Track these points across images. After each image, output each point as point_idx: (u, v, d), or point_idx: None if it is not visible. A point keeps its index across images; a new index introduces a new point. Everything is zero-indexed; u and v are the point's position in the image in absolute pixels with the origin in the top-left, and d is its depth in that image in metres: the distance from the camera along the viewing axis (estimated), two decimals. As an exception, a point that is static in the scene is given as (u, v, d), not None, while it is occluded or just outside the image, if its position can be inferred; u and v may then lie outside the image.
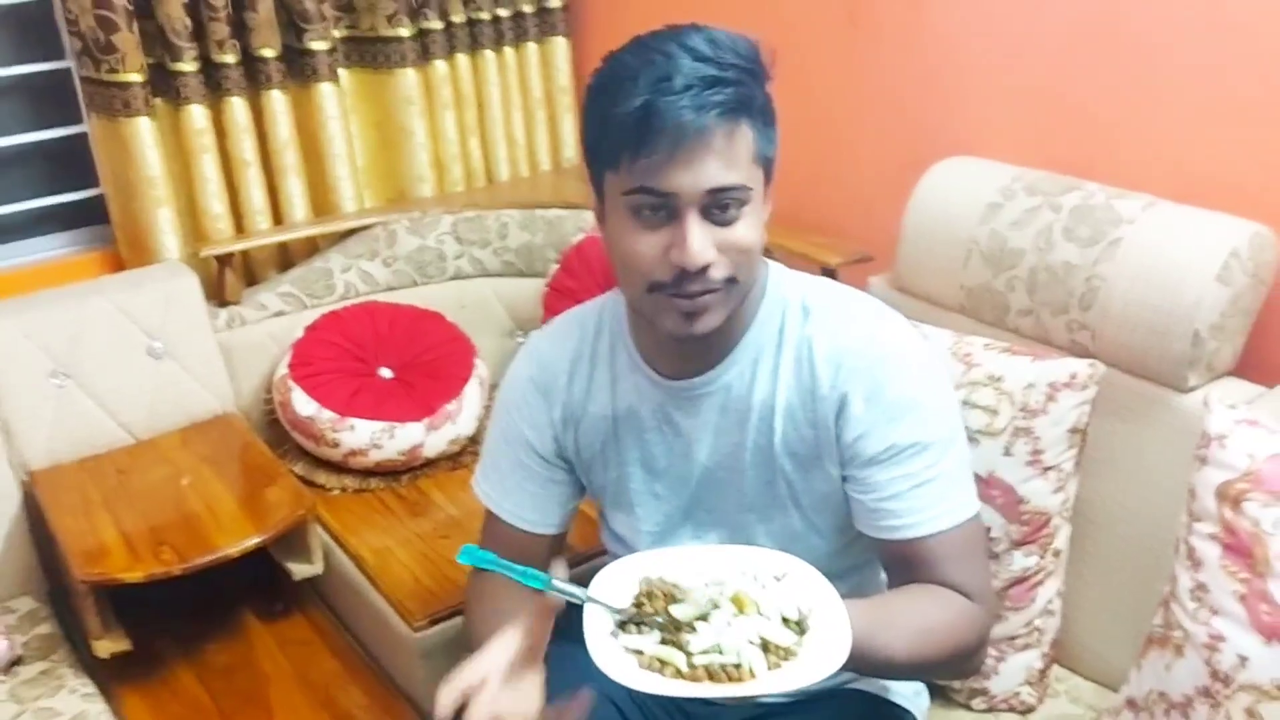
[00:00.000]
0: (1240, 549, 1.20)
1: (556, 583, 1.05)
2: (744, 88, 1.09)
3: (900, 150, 1.98)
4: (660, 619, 1.03)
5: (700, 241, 1.09)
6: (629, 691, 1.32)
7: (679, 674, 0.99)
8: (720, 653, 0.99)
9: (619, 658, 1.01)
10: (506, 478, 1.37)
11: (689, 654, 1.00)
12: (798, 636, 1.02)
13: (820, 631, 1.02)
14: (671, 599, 1.05)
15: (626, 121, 1.07)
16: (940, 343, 1.53)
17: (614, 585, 1.08)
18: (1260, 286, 1.45)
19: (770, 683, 0.97)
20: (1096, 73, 1.67)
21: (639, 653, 1.01)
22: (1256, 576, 1.18)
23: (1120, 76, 1.64)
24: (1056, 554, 1.50)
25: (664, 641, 1.02)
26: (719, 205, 1.10)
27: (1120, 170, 1.62)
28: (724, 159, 1.09)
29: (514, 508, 1.37)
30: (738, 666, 0.98)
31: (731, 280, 1.13)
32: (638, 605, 1.05)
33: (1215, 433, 1.26)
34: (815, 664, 0.98)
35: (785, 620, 1.03)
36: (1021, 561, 1.48)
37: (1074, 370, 1.43)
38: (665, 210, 1.10)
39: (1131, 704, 1.32)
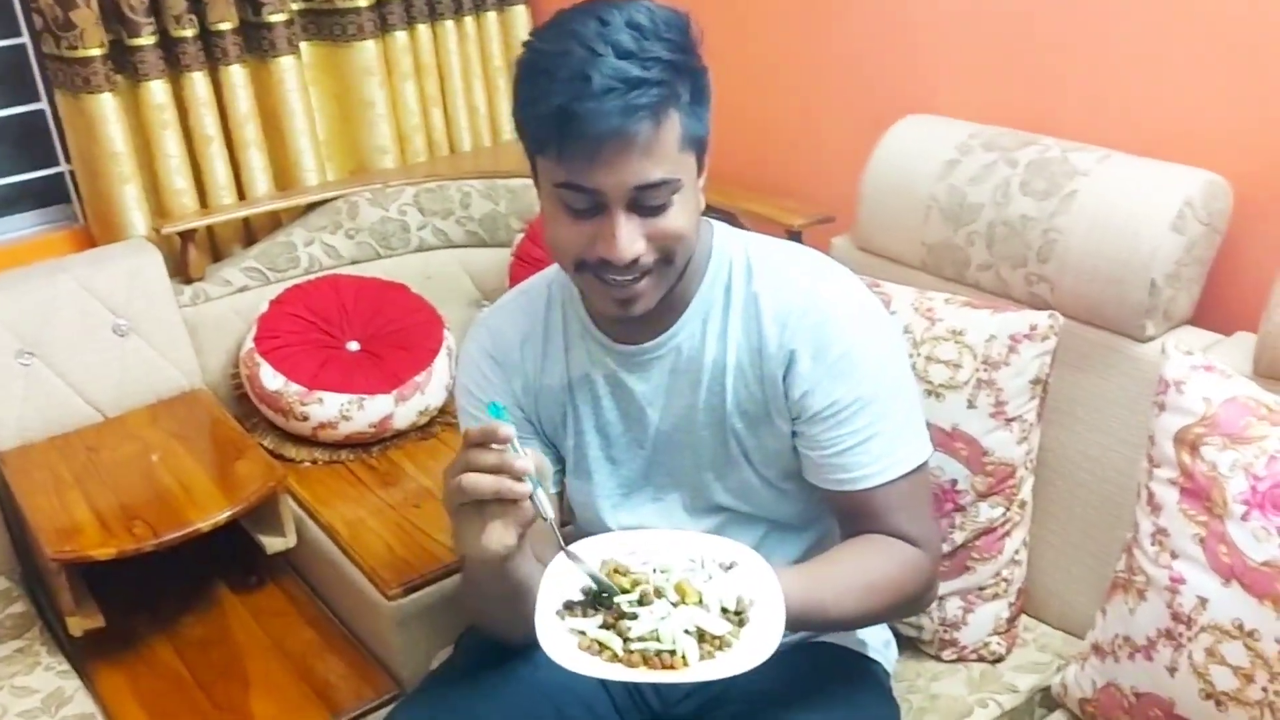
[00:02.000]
0: (1198, 493, 1.23)
1: (539, 494, 1.06)
2: (668, 85, 1.07)
3: (860, 110, 1.98)
4: (606, 601, 1.06)
5: (627, 236, 1.09)
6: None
7: (615, 658, 1.01)
8: (658, 640, 1.02)
9: (561, 639, 1.03)
10: None
11: (626, 639, 1.02)
12: (735, 627, 1.04)
13: (757, 624, 1.04)
14: (621, 575, 1.08)
15: (546, 122, 1.06)
16: (902, 299, 1.55)
17: (568, 573, 1.09)
18: (1214, 235, 1.47)
19: (699, 671, 1.00)
20: (1051, 29, 1.68)
21: (581, 634, 1.04)
22: (1214, 519, 1.21)
23: (1074, 32, 1.65)
24: (1022, 505, 1.52)
25: (604, 626, 1.04)
26: (647, 199, 1.09)
27: (1075, 124, 1.63)
28: (649, 155, 1.07)
29: None
30: (672, 653, 1.01)
31: (664, 261, 1.14)
32: (597, 590, 1.08)
33: (1172, 379, 1.29)
34: (744, 655, 1.01)
35: (725, 611, 1.05)
36: (988, 513, 1.50)
37: (1034, 322, 1.45)
38: (593, 204, 1.10)
39: (1097, 649, 1.34)
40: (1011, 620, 1.54)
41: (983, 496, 1.49)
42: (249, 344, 2.09)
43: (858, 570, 1.20)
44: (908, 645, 1.55)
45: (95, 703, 1.66)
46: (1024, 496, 1.52)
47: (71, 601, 1.69)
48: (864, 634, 1.41)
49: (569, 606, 1.07)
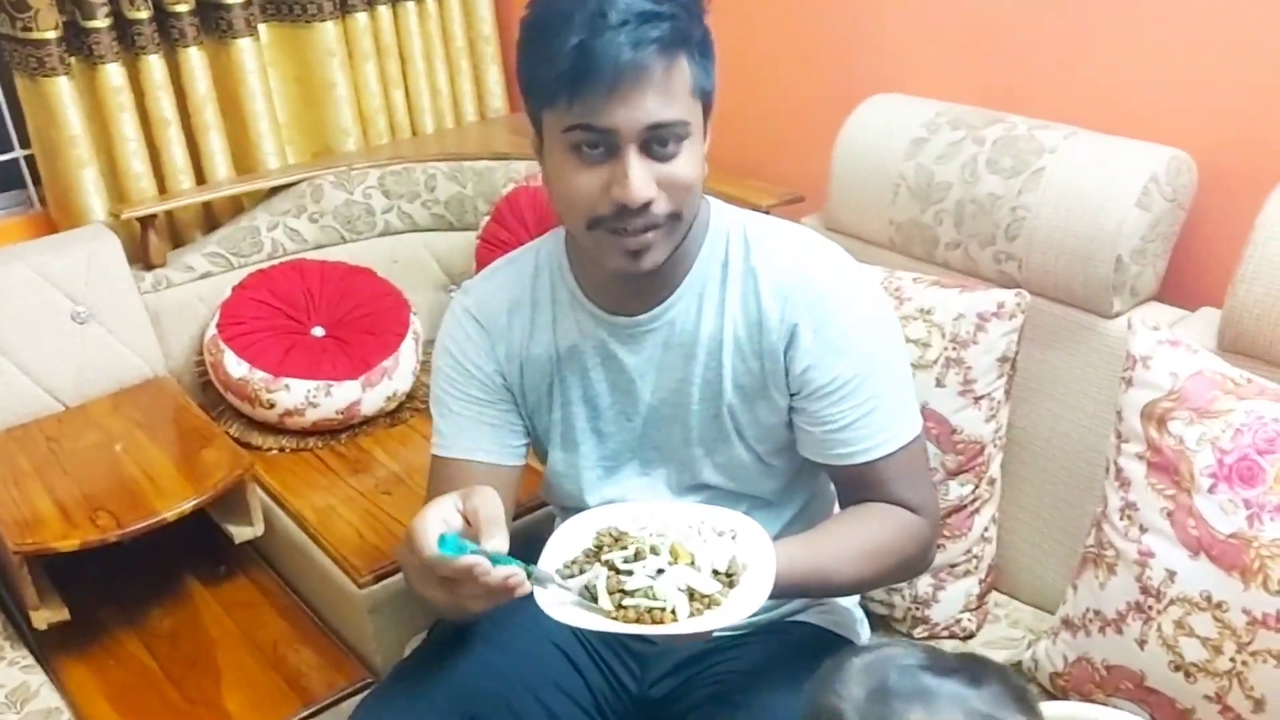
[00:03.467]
0: (1166, 466, 1.24)
1: (537, 572, 1.06)
2: (680, 21, 1.08)
3: (828, 89, 1.98)
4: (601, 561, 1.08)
5: (641, 178, 1.09)
6: (578, 637, 1.35)
7: (608, 615, 1.04)
8: (650, 597, 1.03)
9: (557, 595, 1.05)
10: (459, 416, 1.32)
11: (621, 596, 1.04)
12: (725, 587, 1.06)
13: (745, 585, 1.06)
14: (620, 548, 1.10)
15: (563, 61, 1.06)
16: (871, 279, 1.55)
17: (572, 535, 1.13)
18: (1179, 211, 1.48)
19: (686, 626, 1.02)
20: (1016, 7, 1.68)
21: (583, 589, 1.06)
22: (1182, 492, 1.22)
23: (1039, 10, 1.65)
24: (991, 482, 1.53)
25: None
26: (659, 141, 1.10)
27: (1042, 102, 1.64)
28: (662, 94, 1.08)
29: (470, 443, 1.32)
30: (662, 610, 1.03)
31: (674, 215, 1.14)
32: (595, 549, 1.10)
33: (1139, 354, 1.30)
34: (729, 611, 1.04)
35: (716, 572, 1.07)
36: (958, 490, 1.51)
37: (1001, 300, 1.46)
38: (604, 147, 1.10)
39: (1068, 623, 1.36)
40: (982, 597, 1.55)
41: (952, 474, 1.50)
42: (212, 330, 2.07)
43: (859, 536, 1.22)
44: (880, 623, 1.56)
45: (62, 697, 1.64)
46: (993, 474, 1.53)
47: (35, 595, 1.67)
48: (838, 614, 1.41)
49: (567, 566, 1.09)
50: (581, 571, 1.08)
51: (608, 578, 1.06)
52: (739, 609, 1.03)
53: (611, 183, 1.10)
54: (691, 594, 1.04)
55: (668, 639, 1.05)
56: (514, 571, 1.02)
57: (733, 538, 1.12)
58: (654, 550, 1.08)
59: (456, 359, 1.32)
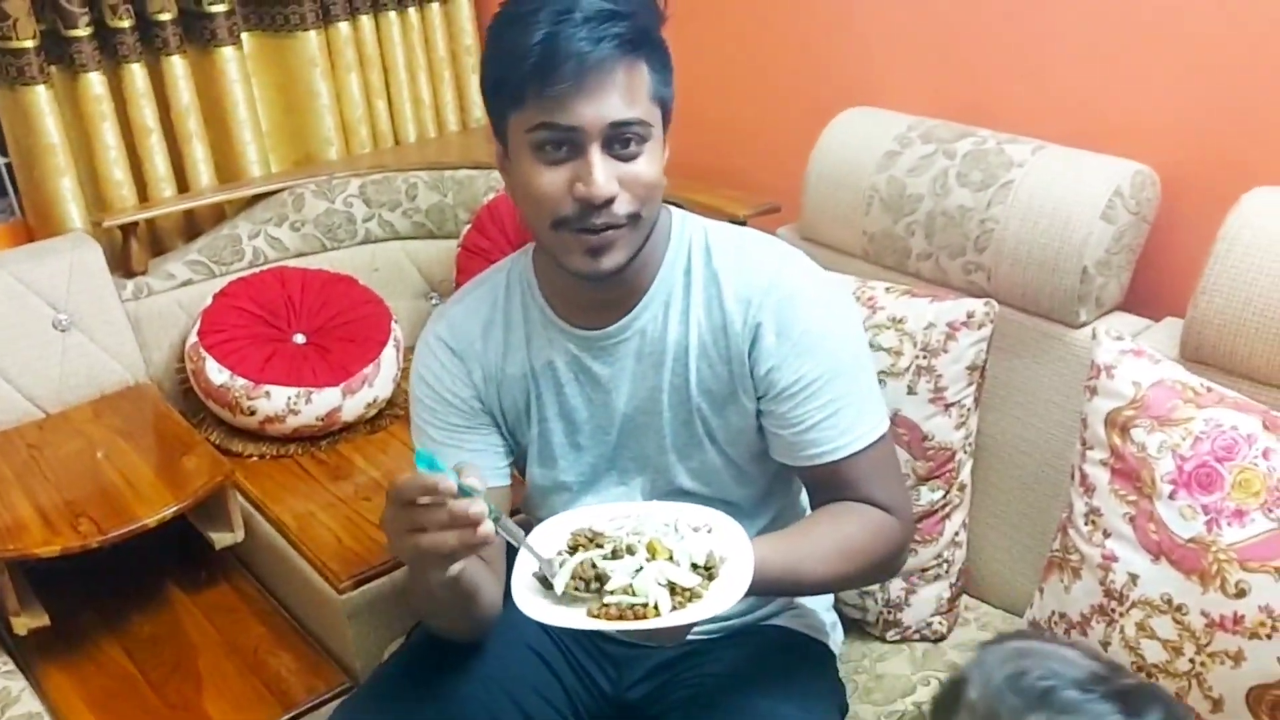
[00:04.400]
0: (1128, 473, 1.27)
1: (505, 520, 1.07)
2: (640, 22, 1.13)
3: (804, 103, 2.01)
4: (577, 558, 1.09)
5: (604, 173, 1.12)
6: (554, 641, 1.37)
7: (590, 614, 1.04)
8: (631, 593, 1.05)
9: (536, 596, 1.06)
10: (442, 446, 1.33)
11: (601, 595, 1.05)
12: (705, 580, 1.07)
13: (725, 578, 1.08)
14: (596, 547, 1.10)
15: (528, 55, 1.09)
16: (845, 287, 1.57)
17: (547, 537, 1.14)
18: (1143, 223, 1.52)
19: (669, 619, 1.03)
20: (988, 25, 1.71)
21: (560, 591, 1.07)
22: (1144, 498, 1.25)
23: (1010, 27, 1.69)
24: (961, 488, 1.56)
25: (580, 587, 1.07)
26: (620, 140, 1.13)
27: (1011, 117, 1.67)
28: (624, 93, 1.12)
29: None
30: (644, 605, 1.04)
31: (635, 216, 1.16)
32: (571, 549, 1.11)
33: (1103, 364, 1.33)
34: (711, 602, 1.05)
35: (695, 566, 1.08)
36: (928, 496, 1.53)
37: (971, 309, 1.49)
38: (568, 146, 1.13)
39: (1035, 626, 1.38)
40: (953, 600, 1.58)
41: (923, 480, 1.53)
42: (193, 338, 2.08)
43: (833, 535, 1.24)
44: (853, 627, 1.58)
45: (42, 703, 1.64)
46: (963, 479, 1.56)
47: (16, 601, 1.67)
48: (811, 617, 1.44)
49: (544, 567, 1.09)
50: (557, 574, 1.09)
51: (583, 564, 1.07)
52: (720, 600, 1.04)
53: (575, 180, 1.13)
54: (672, 588, 1.05)
55: (651, 634, 1.06)
56: (479, 504, 1.01)
57: (709, 532, 1.13)
58: (630, 549, 1.09)
59: (434, 389, 1.33)
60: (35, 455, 1.88)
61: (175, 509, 1.74)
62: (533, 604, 1.05)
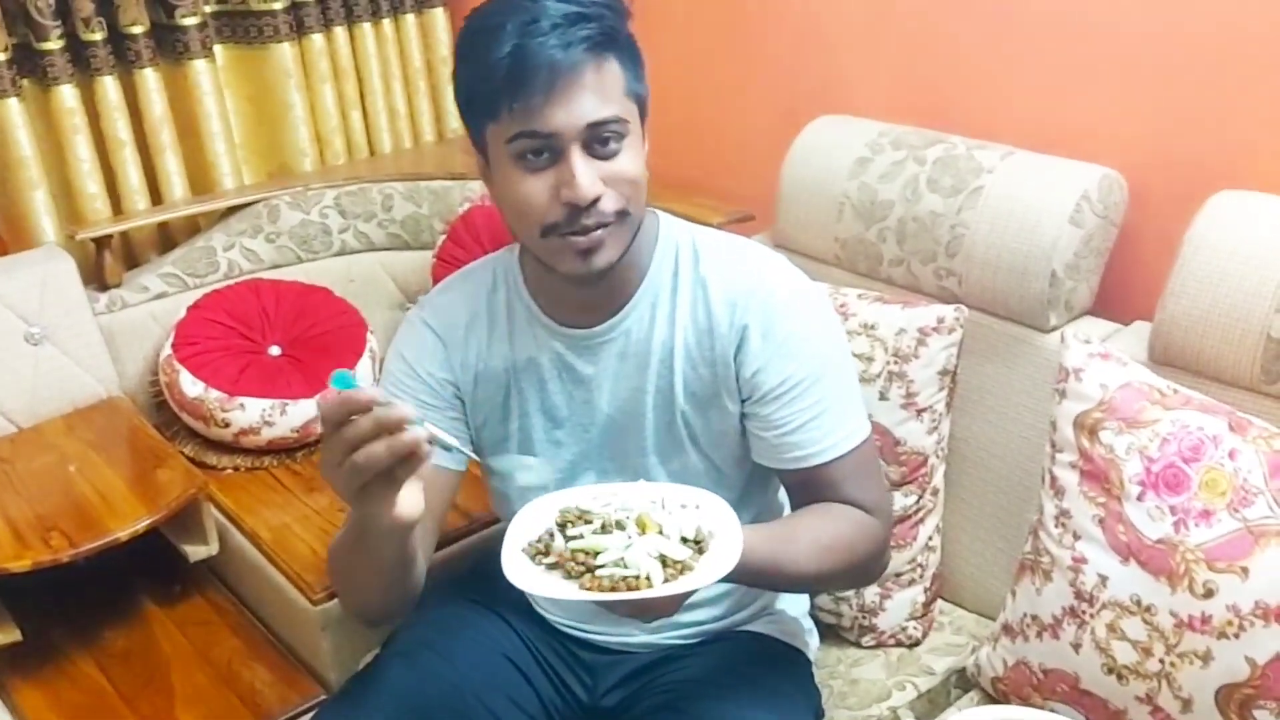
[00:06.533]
0: (1097, 475, 1.28)
1: (431, 428, 1.04)
2: (607, 22, 1.13)
3: (777, 110, 2.02)
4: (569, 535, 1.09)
5: (587, 175, 1.13)
6: (529, 650, 1.37)
7: (583, 587, 1.04)
8: (623, 566, 1.05)
9: (527, 569, 1.06)
10: None
11: (592, 570, 1.05)
12: (695, 553, 1.08)
13: (715, 550, 1.08)
14: (585, 524, 1.11)
15: (499, 67, 1.10)
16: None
17: (534, 516, 1.14)
18: (1110, 227, 1.53)
19: (663, 590, 1.03)
20: (957, 31, 1.73)
21: (550, 564, 1.07)
22: (1113, 500, 1.26)
23: (979, 35, 1.70)
24: (935, 492, 1.56)
25: (572, 559, 1.07)
26: (599, 139, 1.14)
27: (980, 123, 1.68)
28: (597, 93, 1.13)
29: None
30: (637, 578, 1.04)
31: (622, 213, 1.17)
32: (560, 526, 1.11)
33: (1072, 367, 1.33)
34: (704, 572, 1.05)
35: (685, 540, 1.09)
36: (902, 501, 1.54)
37: (941, 315, 1.50)
38: (548, 152, 1.13)
39: (1008, 629, 1.39)
40: (928, 605, 1.59)
41: (897, 485, 1.54)
42: (167, 350, 2.07)
43: (815, 531, 1.24)
44: (829, 632, 1.59)
45: (14, 718, 1.64)
46: (936, 484, 1.56)
47: (-13, 616, 1.67)
48: (787, 623, 1.44)
49: (531, 545, 1.09)
50: (547, 549, 1.08)
51: (570, 542, 1.07)
52: (712, 570, 1.04)
53: (559, 185, 1.14)
54: (664, 561, 1.05)
55: (645, 606, 1.06)
56: (402, 408, 0.99)
57: (696, 509, 1.13)
58: (619, 524, 1.09)
59: (409, 363, 1.34)
60: (7, 469, 1.87)
61: (148, 522, 1.73)
62: (525, 575, 1.05)
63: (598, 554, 1.06)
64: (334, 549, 1.27)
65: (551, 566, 1.07)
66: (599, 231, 1.16)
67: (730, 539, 1.08)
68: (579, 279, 1.20)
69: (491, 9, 1.14)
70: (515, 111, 1.12)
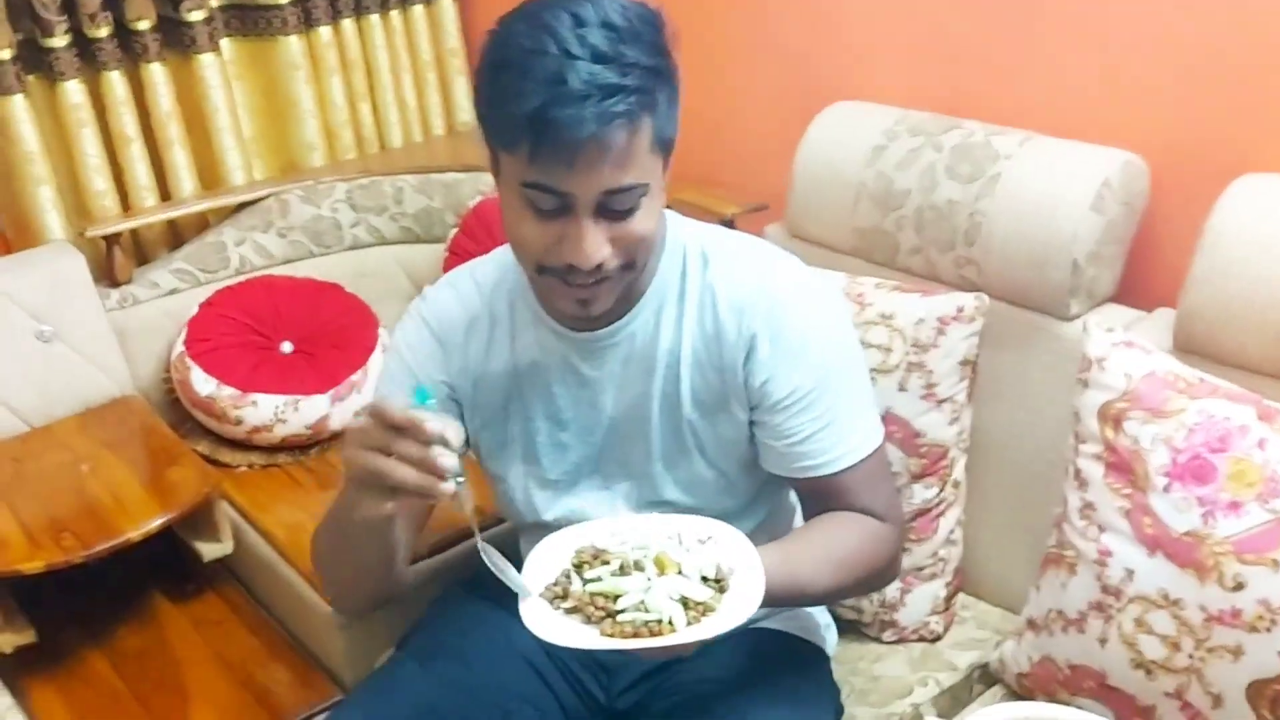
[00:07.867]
0: (1122, 466, 1.25)
1: (466, 488, 1.05)
2: (645, 93, 1.05)
3: (790, 98, 1.99)
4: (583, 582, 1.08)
5: (594, 243, 1.09)
6: (547, 651, 1.35)
7: (604, 634, 1.03)
8: (644, 610, 1.03)
9: (547, 617, 1.05)
10: None
11: (615, 613, 1.04)
12: (716, 593, 1.06)
13: (737, 588, 1.06)
14: (603, 564, 1.10)
15: (522, 123, 1.03)
16: (834, 285, 1.56)
17: (549, 555, 1.12)
18: (1133, 214, 1.50)
19: (687, 635, 1.02)
20: (973, 13, 1.70)
21: (570, 609, 1.06)
22: (1138, 491, 1.23)
23: (995, 17, 1.67)
24: (955, 485, 1.54)
25: (590, 603, 1.06)
26: (615, 203, 1.09)
27: (997, 108, 1.65)
28: (621, 160, 1.06)
29: None
30: (659, 622, 1.02)
31: (626, 267, 1.14)
32: (576, 567, 1.10)
33: (1095, 356, 1.31)
34: (728, 615, 1.03)
35: (705, 579, 1.07)
36: (922, 494, 1.52)
37: (961, 304, 1.47)
38: (561, 206, 1.08)
39: (1032, 624, 1.37)
40: (949, 599, 1.56)
41: (917, 478, 1.51)
42: (180, 347, 2.06)
43: (830, 545, 1.23)
44: (848, 628, 1.56)
45: (29, 720, 1.64)
46: (957, 476, 1.54)
47: (1, 618, 1.66)
48: (804, 619, 1.42)
49: (549, 589, 1.08)
50: (565, 593, 1.07)
51: (588, 585, 1.06)
52: (737, 613, 1.03)
53: (563, 239, 1.09)
54: (685, 603, 1.04)
55: (670, 651, 1.04)
56: (452, 459, 1.01)
57: (711, 543, 1.12)
58: (638, 565, 1.07)
59: (408, 364, 1.32)
60: (19, 469, 1.86)
61: (161, 521, 1.72)
62: (545, 625, 1.03)
63: (617, 597, 1.04)
64: (317, 534, 1.29)
65: (571, 611, 1.05)
66: (597, 286, 1.13)
67: (751, 577, 1.06)
68: (571, 320, 1.17)
69: (520, 39, 1.04)
70: (533, 164, 1.06)
